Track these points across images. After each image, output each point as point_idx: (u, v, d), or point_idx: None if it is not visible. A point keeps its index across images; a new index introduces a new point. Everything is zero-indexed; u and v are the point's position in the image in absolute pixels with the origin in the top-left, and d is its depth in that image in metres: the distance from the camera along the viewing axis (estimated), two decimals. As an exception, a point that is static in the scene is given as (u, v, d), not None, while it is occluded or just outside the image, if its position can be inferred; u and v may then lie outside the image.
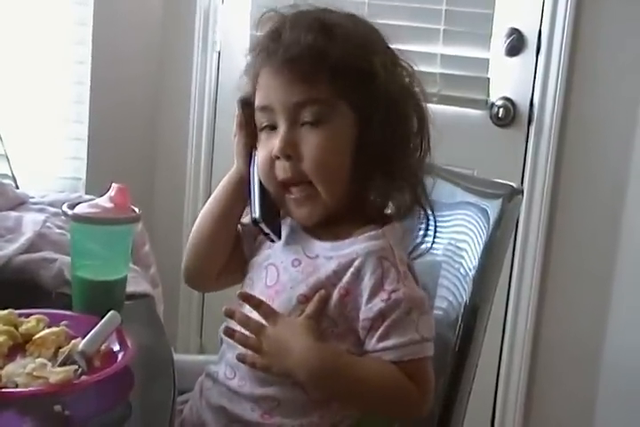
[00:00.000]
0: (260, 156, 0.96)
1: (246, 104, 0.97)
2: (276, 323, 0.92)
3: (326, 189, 0.93)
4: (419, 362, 0.91)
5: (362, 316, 0.91)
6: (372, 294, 0.91)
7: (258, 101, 0.95)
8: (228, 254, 1.03)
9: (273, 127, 0.94)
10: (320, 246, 0.96)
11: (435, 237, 1.00)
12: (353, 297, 0.92)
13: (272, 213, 0.97)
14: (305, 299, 0.93)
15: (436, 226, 0.99)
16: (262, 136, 0.95)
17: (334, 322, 0.93)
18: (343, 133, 0.92)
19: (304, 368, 0.90)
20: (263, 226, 0.96)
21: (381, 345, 0.91)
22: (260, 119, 0.95)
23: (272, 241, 0.98)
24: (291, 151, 0.92)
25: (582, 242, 1.80)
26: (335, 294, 0.92)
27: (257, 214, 0.95)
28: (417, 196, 0.96)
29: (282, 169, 0.93)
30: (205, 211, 1.03)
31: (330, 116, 0.92)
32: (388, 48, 0.96)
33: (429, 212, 0.98)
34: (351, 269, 0.92)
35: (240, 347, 0.94)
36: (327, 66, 0.90)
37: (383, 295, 0.90)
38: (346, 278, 0.92)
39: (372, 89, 0.92)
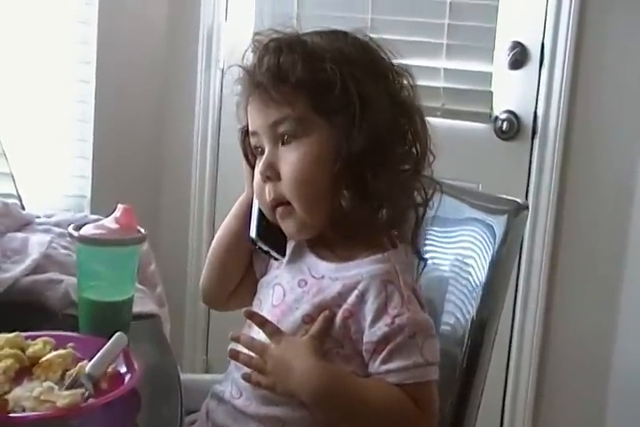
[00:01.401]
0: (254, 179, 0.98)
1: (246, 133, 0.99)
2: (279, 342, 0.92)
3: (302, 208, 0.93)
4: (423, 386, 0.90)
5: (365, 339, 0.91)
6: (376, 318, 0.90)
7: (249, 128, 0.97)
8: (240, 275, 1.05)
9: (263, 150, 0.96)
10: (326, 267, 0.96)
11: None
12: (356, 319, 0.92)
13: (274, 232, 0.98)
14: (310, 319, 0.93)
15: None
16: (257, 160, 0.97)
17: (339, 343, 0.93)
18: (321, 146, 0.92)
19: (305, 388, 0.90)
20: (261, 244, 0.98)
21: (384, 368, 0.90)
22: (254, 144, 0.98)
23: (275, 259, 1.00)
24: (270, 173, 0.94)
25: (588, 255, 1.79)
26: (339, 316, 0.92)
27: (253, 233, 0.97)
28: (400, 213, 0.95)
29: (267, 192, 0.95)
30: (220, 232, 1.05)
31: (305, 131, 0.93)
32: (371, 57, 0.95)
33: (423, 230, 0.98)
34: (355, 292, 0.92)
35: (246, 367, 0.94)
36: (290, 83, 0.92)
37: (387, 320, 0.90)
38: (350, 300, 0.92)
39: (339, 98, 0.91)
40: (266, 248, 0.98)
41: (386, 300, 0.91)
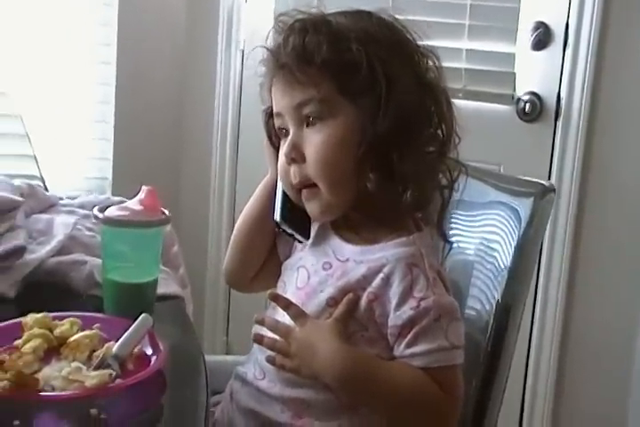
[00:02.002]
0: (279, 161, 0.97)
1: (270, 114, 0.98)
2: (304, 325, 0.92)
3: (328, 189, 0.93)
4: (447, 369, 0.90)
5: (390, 323, 0.91)
6: (401, 301, 0.90)
7: (274, 109, 0.97)
8: (263, 257, 1.05)
9: (288, 132, 0.95)
10: (350, 250, 0.96)
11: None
12: (381, 303, 0.92)
13: (298, 215, 0.97)
14: (334, 302, 0.93)
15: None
16: (282, 141, 0.97)
17: (364, 326, 0.93)
18: (346, 128, 0.92)
19: (329, 370, 0.90)
20: (285, 227, 0.97)
21: (409, 351, 0.90)
22: (278, 125, 0.97)
23: (299, 242, 1.00)
24: (295, 154, 0.94)
25: (611, 238, 1.78)
26: (364, 299, 0.92)
27: (277, 216, 0.97)
28: (425, 195, 0.94)
29: (292, 174, 0.95)
30: (243, 214, 1.05)
31: (330, 113, 0.92)
32: (397, 37, 0.94)
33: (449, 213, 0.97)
34: (380, 275, 0.92)
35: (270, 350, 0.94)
36: (316, 64, 0.91)
37: (412, 303, 0.90)
38: (375, 284, 0.92)
39: (365, 79, 0.90)
40: (290, 231, 0.98)
41: (411, 283, 0.91)
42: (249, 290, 1.09)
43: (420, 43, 0.95)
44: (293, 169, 0.95)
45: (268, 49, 0.95)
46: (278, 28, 0.95)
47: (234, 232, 1.06)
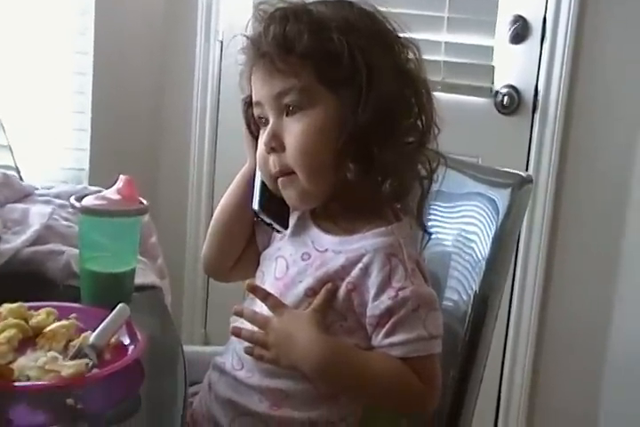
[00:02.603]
0: (258, 151, 0.97)
1: (249, 103, 0.98)
2: (282, 315, 0.92)
3: (306, 177, 0.93)
4: (426, 359, 0.90)
5: (369, 312, 0.91)
6: (380, 291, 0.91)
7: (253, 98, 0.96)
8: (242, 246, 1.04)
9: (267, 121, 0.95)
10: (329, 240, 0.96)
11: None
12: (360, 292, 0.92)
13: (277, 204, 0.97)
14: (313, 292, 0.93)
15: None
16: (261, 130, 0.96)
17: (343, 316, 0.93)
18: (326, 118, 0.92)
19: (307, 360, 0.90)
20: (264, 216, 0.97)
21: (387, 341, 0.90)
22: (257, 114, 0.96)
23: (278, 231, 1.00)
24: (275, 143, 0.93)
25: (587, 230, 1.79)
26: (343, 289, 0.92)
27: (256, 206, 0.97)
28: (404, 185, 0.94)
29: (271, 163, 0.94)
30: (221, 203, 1.05)
31: (310, 102, 0.92)
32: (377, 27, 0.94)
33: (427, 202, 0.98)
34: (359, 265, 0.92)
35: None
36: (297, 53, 0.90)
37: (390, 293, 0.90)
38: (353, 273, 0.92)
39: (345, 69, 0.90)
40: (268, 220, 0.98)
41: (390, 273, 0.91)
42: (227, 279, 1.09)
43: (400, 34, 0.95)
44: (272, 158, 0.94)
45: (248, 38, 0.95)
46: (258, 16, 0.95)
47: (212, 221, 1.06)
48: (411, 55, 0.96)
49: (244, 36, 0.95)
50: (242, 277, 1.06)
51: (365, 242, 0.93)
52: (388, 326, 0.90)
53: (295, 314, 0.92)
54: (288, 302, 0.94)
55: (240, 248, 1.04)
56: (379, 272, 0.91)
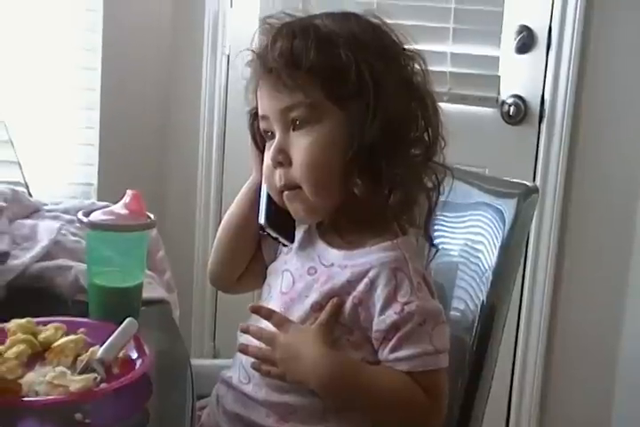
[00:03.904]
0: (264, 164, 0.97)
1: (255, 116, 0.98)
2: (288, 331, 0.92)
3: (313, 191, 0.92)
4: (432, 374, 0.90)
5: (374, 327, 0.91)
6: (385, 306, 0.90)
7: (259, 112, 0.96)
8: (248, 258, 1.04)
9: (273, 134, 0.95)
10: (335, 255, 0.96)
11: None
12: (366, 307, 0.91)
13: (283, 218, 0.97)
14: (319, 307, 0.93)
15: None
16: (267, 144, 0.97)
17: (349, 330, 0.93)
18: (333, 132, 0.91)
19: (315, 376, 0.90)
20: (270, 231, 0.97)
21: (393, 356, 0.90)
22: (263, 128, 0.96)
23: (284, 245, 1.00)
24: (282, 158, 0.93)
25: (596, 240, 1.79)
26: (349, 303, 0.92)
27: (262, 220, 0.97)
28: (411, 198, 0.94)
29: (277, 177, 0.94)
30: (227, 216, 1.05)
31: (317, 118, 0.91)
32: (384, 41, 0.94)
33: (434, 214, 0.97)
34: (365, 280, 0.92)
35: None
36: (303, 69, 0.90)
37: (396, 307, 0.90)
38: (359, 288, 0.92)
39: (353, 84, 0.90)
40: (274, 235, 0.98)
41: (395, 287, 0.90)
42: (233, 291, 1.09)
43: (406, 46, 0.95)
44: (279, 172, 0.94)
45: (254, 52, 0.95)
46: (265, 30, 0.94)
47: (218, 234, 1.06)
48: (417, 67, 0.95)
49: (251, 50, 0.95)
50: (248, 289, 1.06)
51: (371, 256, 0.93)
52: (394, 341, 0.90)
53: (301, 329, 0.92)
54: (294, 317, 0.94)
55: (246, 260, 1.04)
56: (384, 287, 0.91)
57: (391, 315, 0.90)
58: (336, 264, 0.95)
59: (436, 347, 0.90)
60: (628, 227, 1.75)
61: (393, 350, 0.90)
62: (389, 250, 0.93)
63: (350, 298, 0.92)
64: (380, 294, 0.91)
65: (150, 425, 0.84)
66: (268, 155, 0.95)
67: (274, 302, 0.97)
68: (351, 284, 0.92)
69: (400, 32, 0.95)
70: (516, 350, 1.85)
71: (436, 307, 0.92)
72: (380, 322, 0.90)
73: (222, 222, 1.06)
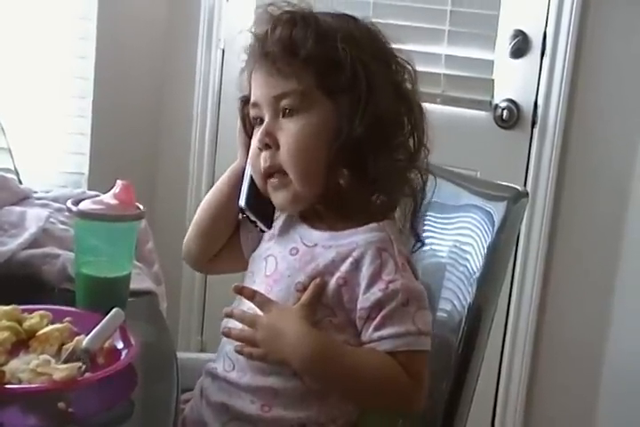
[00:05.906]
0: (251, 148, 0.98)
1: (246, 102, 0.99)
2: (270, 311, 0.93)
3: (298, 178, 0.94)
4: (414, 354, 0.90)
5: (359, 305, 0.92)
6: (370, 284, 0.91)
7: (251, 99, 0.97)
8: (223, 241, 1.05)
9: (262, 121, 0.96)
10: (319, 236, 0.97)
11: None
12: (351, 287, 0.92)
13: (263, 204, 0.98)
14: (303, 287, 0.94)
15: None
16: (255, 130, 0.98)
17: (332, 312, 0.93)
18: (321, 123, 0.93)
19: (296, 355, 0.90)
20: (249, 213, 0.99)
21: (377, 335, 0.91)
22: (253, 115, 0.98)
23: (262, 231, 1.01)
24: (269, 141, 0.94)
25: (585, 245, 1.80)
26: (333, 284, 0.93)
27: (242, 202, 0.98)
28: (392, 202, 0.95)
29: (263, 158, 0.95)
30: (208, 197, 1.06)
31: (307, 107, 0.93)
32: (378, 45, 0.96)
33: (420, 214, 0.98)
34: (350, 259, 0.93)
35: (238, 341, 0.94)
36: (300, 57, 0.92)
37: (381, 285, 0.91)
38: (344, 268, 0.93)
39: (346, 78, 0.92)
40: (253, 218, 0.99)
41: (380, 266, 0.91)
42: (206, 271, 1.11)
43: (398, 53, 0.97)
44: (264, 154, 0.95)
45: (254, 35, 0.96)
46: (265, 17, 0.95)
47: (196, 214, 1.07)
48: (407, 76, 0.97)
49: (251, 32, 0.96)
50: (218, 271, 1.08)
51: (357, 237, 0.94)
52: (377, 320, 0.91)
53: (283, 309, 0.93)
54: (278, 298, 0.94)
55: (221, 242, 1.05)
56: (369, 266, 0.92)
57: (375, 292, 0.90)
58: (320, 244, 0.96)
59: (419, 328, 0.90)
60: (616, 232, 1.76)
61: (377, 328, 0.91)
62: (375, 231, 0.94)
63: (334, 279, 0.93)
64: (364, 273, 0.91)
65: (134, 416, 0.84)
66: (255, 139, 0.97)
67: (258, 286, 0.97)
68: (335, 264, 0.93)
69: (393, 39, 0.97)
70: (503, 351, 1.86)
71: (420, 288, 0.93)
72: (364, 300, 0.91)
73: (202, 202, 1.07)
